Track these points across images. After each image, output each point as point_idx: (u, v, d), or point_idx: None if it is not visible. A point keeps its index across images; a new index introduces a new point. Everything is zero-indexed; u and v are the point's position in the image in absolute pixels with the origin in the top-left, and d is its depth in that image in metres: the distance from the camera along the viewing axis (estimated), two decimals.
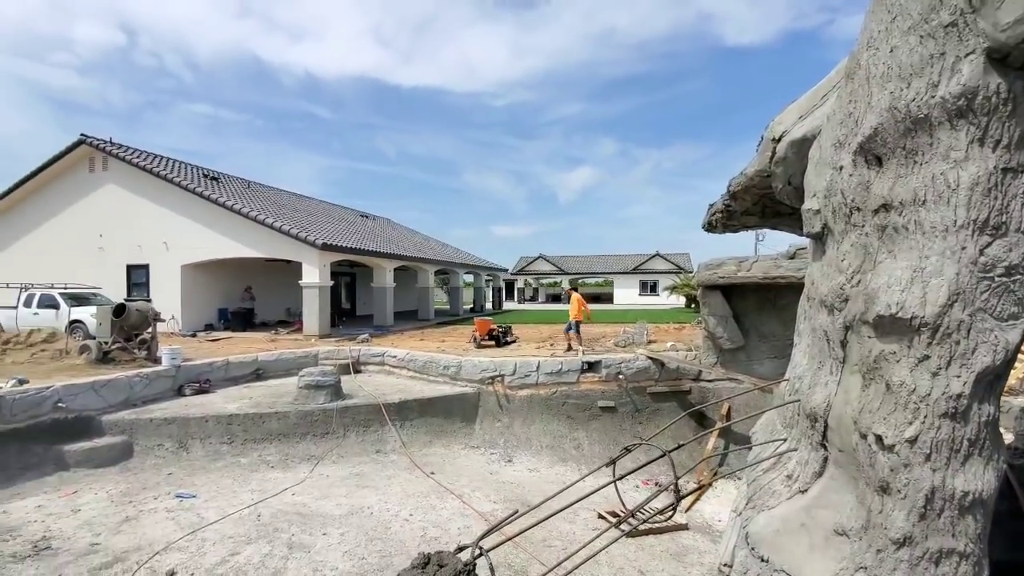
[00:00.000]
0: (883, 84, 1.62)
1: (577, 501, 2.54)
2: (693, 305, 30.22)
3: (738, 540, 2.13)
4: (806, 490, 1.91)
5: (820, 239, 2.04)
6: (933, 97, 1.45)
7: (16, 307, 15.14)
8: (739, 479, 7.65)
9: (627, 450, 2.25)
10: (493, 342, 13.99)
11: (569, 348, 12.24)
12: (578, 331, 12.87)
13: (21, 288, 15.48)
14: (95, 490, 7.08)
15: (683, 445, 2.20)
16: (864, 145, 1.66)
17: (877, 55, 1.66)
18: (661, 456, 2.03)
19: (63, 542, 5.62)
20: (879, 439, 1.51)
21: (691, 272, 39.29)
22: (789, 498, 1.98)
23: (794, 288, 8.98)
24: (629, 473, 2.65)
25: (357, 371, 12.58)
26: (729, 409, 9.32)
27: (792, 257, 9.22)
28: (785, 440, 2.19)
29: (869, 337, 1.61)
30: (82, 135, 18.68)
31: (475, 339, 14.09)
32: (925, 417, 1.43)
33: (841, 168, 1.82)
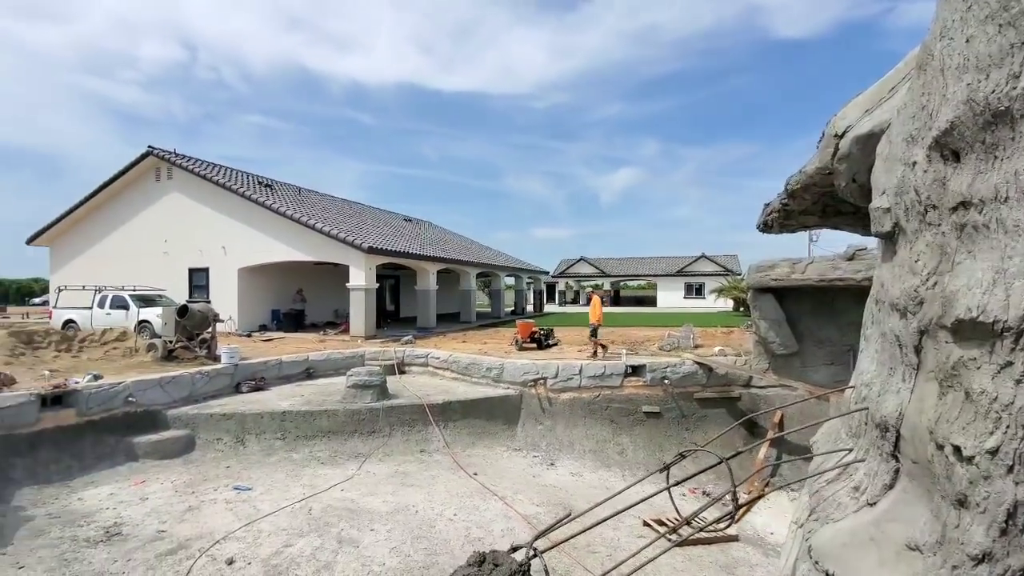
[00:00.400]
0: (959, 76, 1.53)
1: (627, 508, 2.50)
2: (742, 308, 29.27)
3: (800, 553, 2.05)
4: (875, 503, 1.82)
5: (890, 239, 1.94)
6: (1014, 89, 1.37)
7: (91, 308, 16.31)
8: (793, 490, 7.37)
9: (682, 456, 2.21)
10: (535, 344, 13.97)
11: (594, 354, 11.95)
12: (596, 335, 12.62)
13: (95, 290, 16.65)
14: (161, 480, 7.52)
15: (740, 453, 2.13)
16: (939, 140, 1.58)
17: (952, 45, 1.57)
18: (716, 464, 1.98)
19: (132, 528, 5.99)
20: (957, 450, 1.42)
21: (739, 274, 38.10)
22: (856, 511, 1.89)
23: (852, 291, 8.57)
24: (682, 481, 2.59)
25: (402, 372, 12.84)
26: (782, 417, 8.97)
27: (851, 258, 8.77)
28: (850, 450, 2.09)
29: (947, 342, 1.52)
30: (149, 147, 19.95)
31: (517, 341, 14.12)
32: (1007, 427, 1.34)
33: (914, 164, 1.73)
